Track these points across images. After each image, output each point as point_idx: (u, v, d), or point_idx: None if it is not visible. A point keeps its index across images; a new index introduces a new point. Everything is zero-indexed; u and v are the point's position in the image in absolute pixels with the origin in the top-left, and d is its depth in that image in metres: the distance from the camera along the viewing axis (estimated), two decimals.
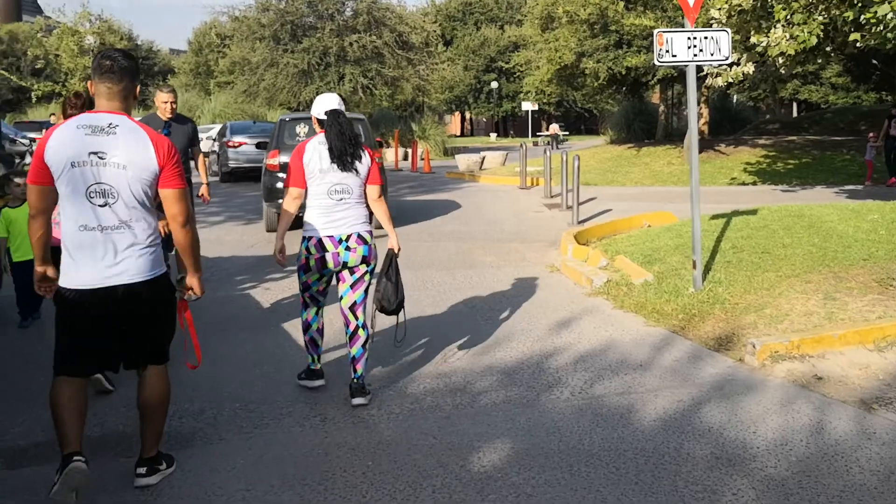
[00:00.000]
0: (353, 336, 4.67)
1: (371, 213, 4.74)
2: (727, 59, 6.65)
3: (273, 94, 35.19)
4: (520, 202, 15.87)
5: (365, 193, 4.65)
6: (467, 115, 75.67)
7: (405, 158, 31.36)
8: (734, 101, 36.26)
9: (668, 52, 6.56)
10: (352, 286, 4.66)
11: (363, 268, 4.65)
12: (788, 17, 11.41)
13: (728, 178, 19.08)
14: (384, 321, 5.26)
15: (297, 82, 34.34)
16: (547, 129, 61.98)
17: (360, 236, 4.57)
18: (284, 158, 11.25)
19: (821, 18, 11.31)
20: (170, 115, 7.27)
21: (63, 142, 3.36)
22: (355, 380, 4.63)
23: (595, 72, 21.01)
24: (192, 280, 3.72)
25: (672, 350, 5.58)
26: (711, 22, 11.97)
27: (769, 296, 6.50)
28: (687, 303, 6.54)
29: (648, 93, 33.00)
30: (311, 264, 4.61)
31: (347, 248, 4.55)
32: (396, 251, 4.82)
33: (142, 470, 3.64)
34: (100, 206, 3.38)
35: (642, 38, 20.33)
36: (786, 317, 5.99)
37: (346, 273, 4.65)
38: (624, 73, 20.80)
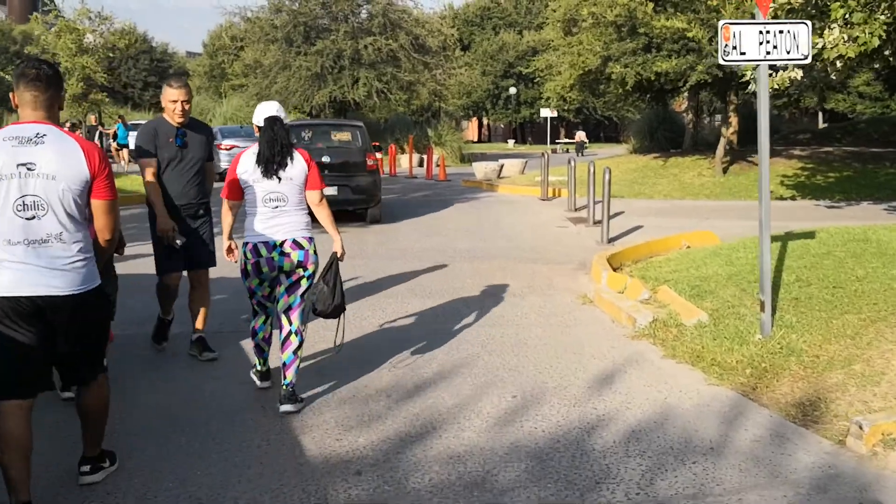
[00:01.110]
0: (285, 341, 4.69)
1: (314, 219, 4.80)
2: (806, 57, 5.47)
3: (285, 97, 34.14)
4: (541, 215, 14.70)
5: (306, 200, 4.75)
6: (484, 122, 74.58)
7: (420, 165, 30.24)
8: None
9: (735, 48, 5.39)
10: (287, 290, 4.72)
11: (300, 272, 4.70)
12: (847, 15, 10.21)
13: None
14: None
15: (309, 85, 33.30)
16: (566, 137, 60.96)
17: (295, 241, 4.65)
18: None
19: (883, 18, 10.10)
20: (181, 120, 5.46)
21: None
22: (284, 386, 4.62)
23: (622, 77, 19.80)
24: None
25: (747, 423, 4.40)
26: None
27: (855, 346, 5.31)
28: (754, 353, 5.36)
29: (673, 100, 31.78)
30: (249, 269, 4.73)
31: (282, 254, 4.64)
32: (340, 255, 4.80)
33: (86, 468, 3.70)
34: (28, 218, 3.28)
35: (673, 42, 19.11)
36: (882, 376, 4.80)
37: (282, 277, 4.72)
38: (653, 78, 19.59)
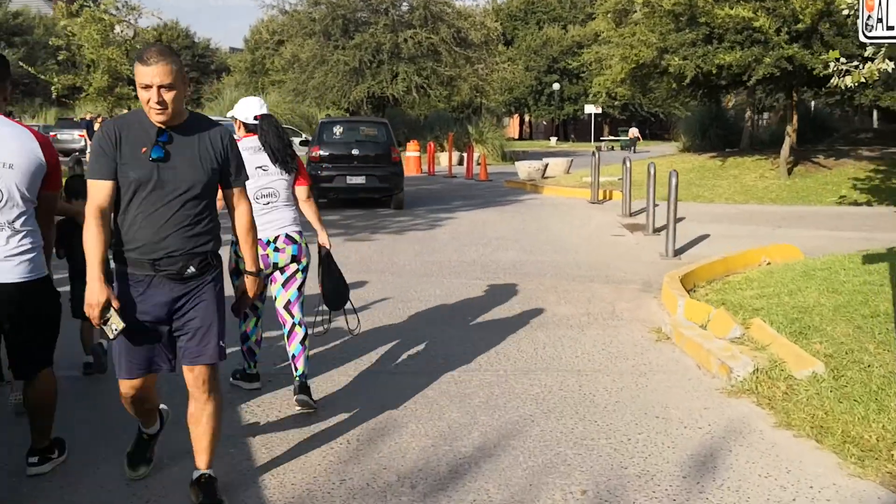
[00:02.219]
0: (290, 334, 4.62)
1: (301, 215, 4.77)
2: None
3: (322, 93, 33.16)
4: (593, 221, 13.37)
5: (294, 196, 4.74)
6: (526, 118, 73.10)
7: (460, 163, 28.95)
8: (811, 107, 33.07)
9: (880, 21, 4.07)
10: (283, 285, 4.66)
11: (294, 266, 4.66)
12: None
13: (835, 197, 16.29)
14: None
15: (347, 81, 32.24)
16: (610, 134, 59.17)
17: (288, 236, 4.62)
18: (324, 152, 14.96)
19: None
20: (161, 118, 3.10)
21: None
22: (297, 377, 4.55)
23: (680, 70, 18.32)
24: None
25: None
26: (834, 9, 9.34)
27: None
28: None
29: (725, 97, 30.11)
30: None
31: (276, 249, 4.59)
32: (328, 247, 4.83)
33: (34, 459, 3.63)
34: None
35: (736, 33, 17.58)
36: None
37: (277, 273, 4.66)
38: (714, 72, 18.09)
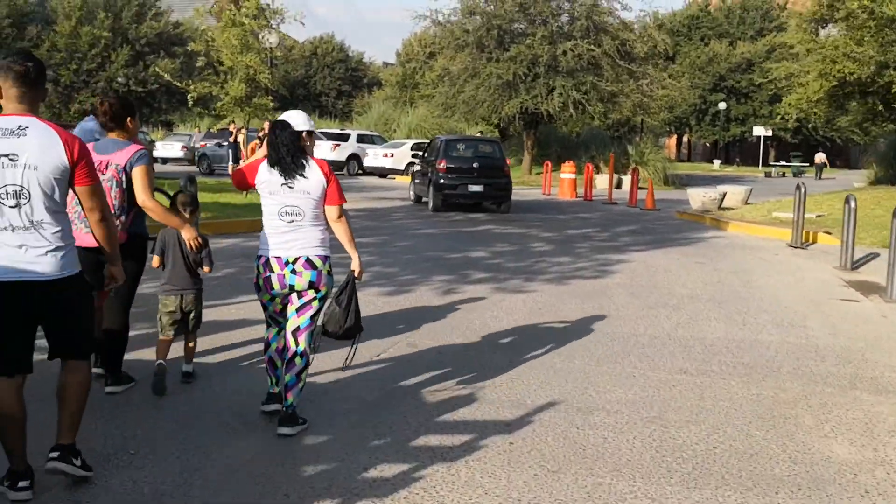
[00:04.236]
0: (289, 362, 4.50)
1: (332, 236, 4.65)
2: None
3: (472, 107, 31.27)
4: (807, 275, 10.53)
5: (324, 215, 4.56)
6: (684, 139, 68.93)
7: (618, 187, 26.22)
8: None
9: None
10: (297, 310, 4.54)
11: (311, 293, 4.52)
12: None
13: None
14: None
15: (499, 95, 30.20)
16: (780, 160, 54.20)
17: (308, 260, 4.47)
18: (450, 164, 17.68)
19: None
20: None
21: None
22: (284, 408, 4.47)
23: None
24: (112, 269, 3.95)
25: None
26: None
27: None
28: None
29: None
30: (260, 283, 4.56)
31: (294, 272, 4.47)
32: (357, 274, 4.65)
33: (54, 454, 3.62)
34: (11, 206, 3.47)
35: None
36: None
37: (294, 296, 4.55)
38: None
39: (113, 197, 4.71)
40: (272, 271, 4.48)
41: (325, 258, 4.51)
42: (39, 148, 3.46)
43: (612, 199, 22.61)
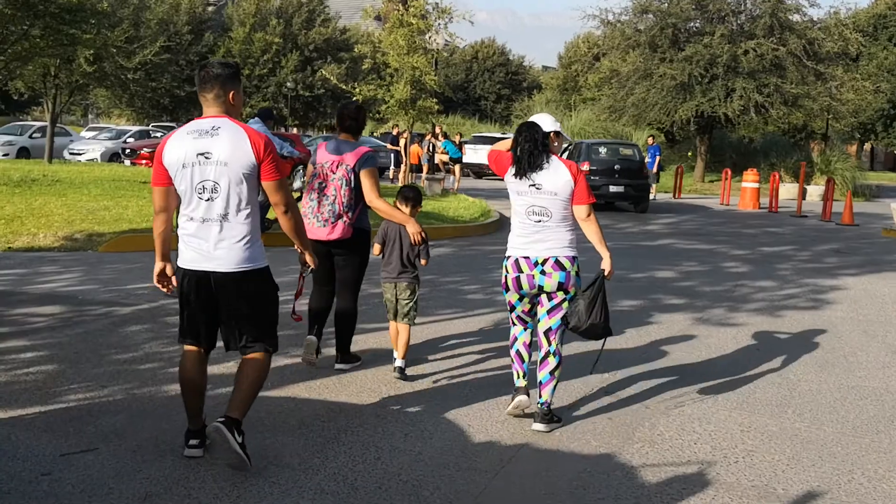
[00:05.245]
0: (542, 360, 4.60)
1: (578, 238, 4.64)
2: None
3: (642, 110, 29.60)
4: None
5: (572, 216, 4.54)
6: (866, 146, 63.65)
7: (802, 197, 23.85)
8: None
9: None
10: (548, 312, 4.59)
11: (560, 295, 4.55)
12: None
13: None
14: None
15: (672, 97, 28.41)
16: None
17: (557, 261, 4.49)
18: (594, 167, 18.56)
19: None
20: None
21: (175, 146, 3.73)
22: (539, 405, 4.58)
23: None
24: (304, 256, 4.21)
25: None
26: None
27: None
28: None
29: None
30: (509, 283, 4.61)
31: (543, 272, 4.50)
32: (607, 274, 4.53)
33: (220, 419, 3.70)
34: (205, 200, 3.70)
35: None
36: None
37: (544, 297, 4.58)
38: None
39: (342, 195, 5.11)
40: (521, 271, 4.55)
41: (573, 259, 4.53)
42: (230, 146, 3.69)
43: (800, 212, 20.53)
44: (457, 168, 22.27)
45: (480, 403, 4.98)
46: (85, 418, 4.43)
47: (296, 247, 4.15)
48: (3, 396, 4.70)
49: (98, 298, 7.26)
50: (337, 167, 5.11)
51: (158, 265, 3.89)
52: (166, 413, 4.53)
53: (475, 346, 6.30)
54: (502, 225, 14.88)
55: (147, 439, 4.17)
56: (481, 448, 4.31)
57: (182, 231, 3.80)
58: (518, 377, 4.70)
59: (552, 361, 4.56)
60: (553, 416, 4.58)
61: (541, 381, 4.57)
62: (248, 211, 3.75)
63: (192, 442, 3.88)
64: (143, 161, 24.57)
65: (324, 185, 5.14)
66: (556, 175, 4.48)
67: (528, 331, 4.73)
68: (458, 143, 23.07)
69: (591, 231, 4.55)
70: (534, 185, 4.49)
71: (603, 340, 4.67)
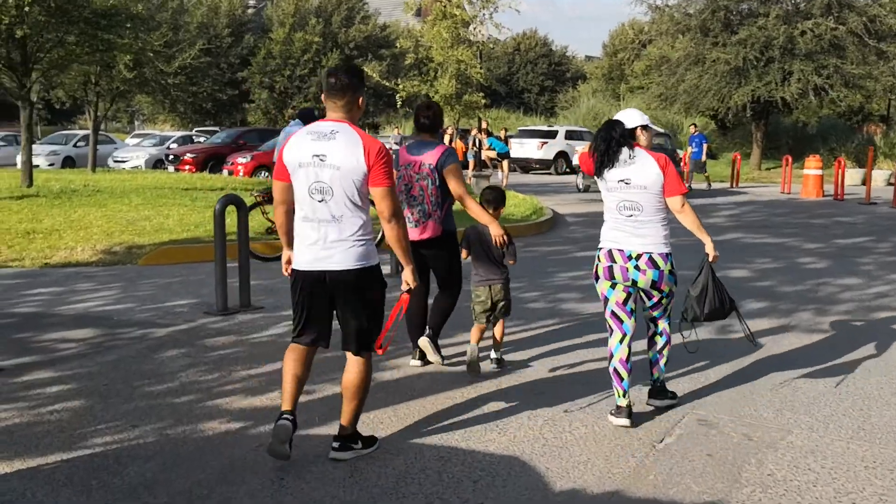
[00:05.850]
0: (650, 341, 4.75)
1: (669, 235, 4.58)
2: None
3: (694, 97, 28.60)
4: None
5: (665, 209, 4.49)
6: None
7: (863, 183, 22.71)
8: None
9: None
10: (651, 308, 4.64)
11: (656, 294, 4.56)
12: None
13: None
14: None
15: (727, 83, 27.38)
16: None
17: (651, 259, 4.44)
18: None
19: None
20: None
21: (295, 146, 3.89)
22: (652, 382, 4.75)
23: None
24: (404, 274, 4.04)
25: None
26: None
27: None
28: None
29: None
30: (600, 272, 4.58)
31: (637, 268, 4.46)
32: (711, 258, 4.52)
33: (335, 444, 4.01)
34: (318, 201, 3.82)
35: None
36: None
37: (641, 293, 4.59)
38: None
39: (430, 193, 5.22)
40: (614, 261, 4.52)
41: (666, 256, 4.48)
42: (344, 151, 3.79)
43: (869, 199, 19.47)
44: (505, 163, 21.56)
45: (556, 440, 4.36)
46: (112, 468, 3.91)
47: (399, 261, 4.04)
48: (24, 441, 4.21)
49: (133, 319, 6.79)
50: (420, 167, 5.22)
51: (285, 254, 4.14)
52: (200, 458, 4.01)
53: (543, 367, 5.67)
54: (556, 223, 14.18)
55: (180, 493, 3.64)
56: (563, 499, 3.68)
57: (297, 231, 3.93)
58: (619, 396, 4.52)
59: (660, 341, 4.71)
60: (668, 392, 4.78)
61: (650, 360, 4.76)
62: (361, 212, 3.85)
63: (282, 421, 3.90)
64: (187, 167, 24.35)
65: (409, 186, 5.26)
66: (645, 169, 4.44)
67: (626, 342, 4.56)
68: (503, 137, 22.36)
69: (688, 221, 4.50)
70: (622, 180, 4.47)
71: (738, 316, 4.71)
